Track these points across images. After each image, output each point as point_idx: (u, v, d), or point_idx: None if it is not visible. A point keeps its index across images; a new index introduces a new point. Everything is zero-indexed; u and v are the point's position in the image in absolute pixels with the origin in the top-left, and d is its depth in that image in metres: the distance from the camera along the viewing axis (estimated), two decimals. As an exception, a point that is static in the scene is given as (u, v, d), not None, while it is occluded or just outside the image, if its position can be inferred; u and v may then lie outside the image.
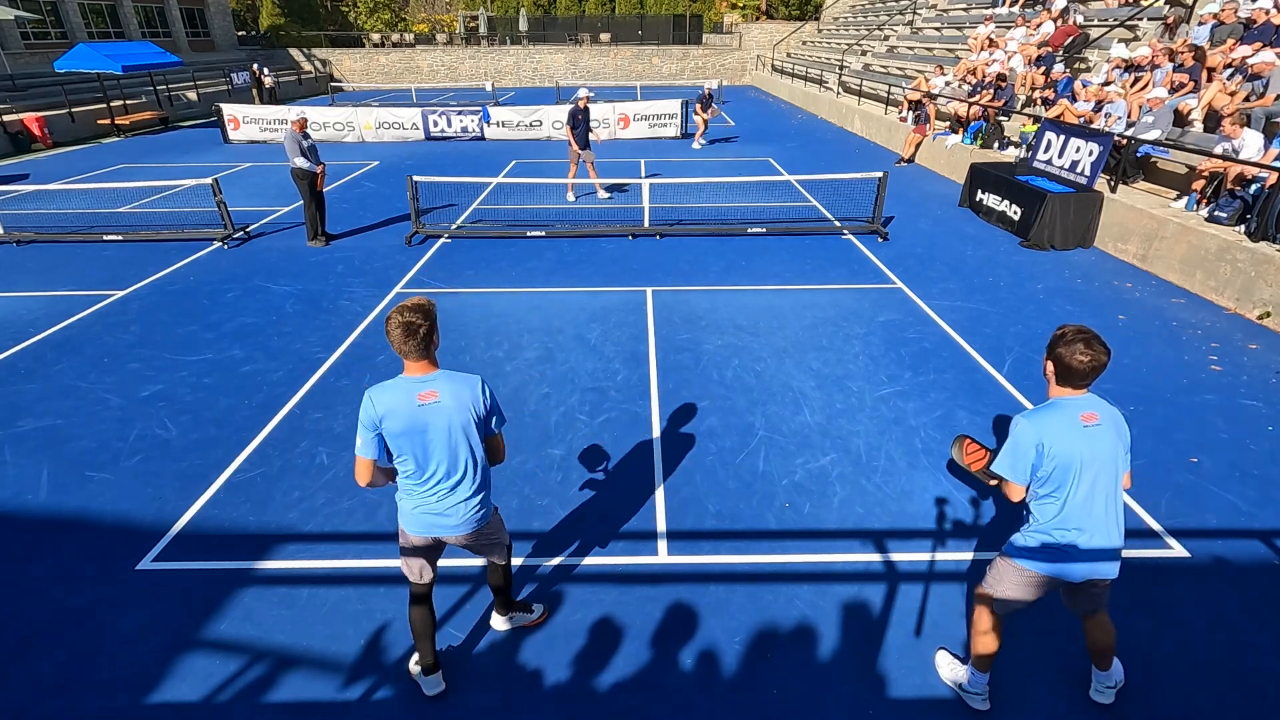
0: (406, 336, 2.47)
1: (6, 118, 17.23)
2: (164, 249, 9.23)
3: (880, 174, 9.26)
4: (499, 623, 3.33)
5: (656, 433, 4.96)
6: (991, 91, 13.15)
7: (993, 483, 2.78)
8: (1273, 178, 6.98)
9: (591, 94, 11.29)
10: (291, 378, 5.79)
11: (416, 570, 2.88)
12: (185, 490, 4.39)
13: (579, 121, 10.79)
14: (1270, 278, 6.59)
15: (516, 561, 3.79)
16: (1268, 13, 9.44)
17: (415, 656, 3.08)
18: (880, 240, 9.34)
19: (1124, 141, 9.04)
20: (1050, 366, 2.54)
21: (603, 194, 11.71)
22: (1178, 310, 6.99)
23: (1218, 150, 7.74)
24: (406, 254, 9.00)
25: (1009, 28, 15.46)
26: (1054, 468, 2.46)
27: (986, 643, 2.80)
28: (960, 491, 4.29)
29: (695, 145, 16.67)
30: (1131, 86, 10.41)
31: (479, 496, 2.77)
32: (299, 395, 5.51)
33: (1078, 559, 2.56)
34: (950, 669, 3.07)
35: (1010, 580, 2.70)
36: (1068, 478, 2.47)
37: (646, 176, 12.78)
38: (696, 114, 16.91)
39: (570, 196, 11.59)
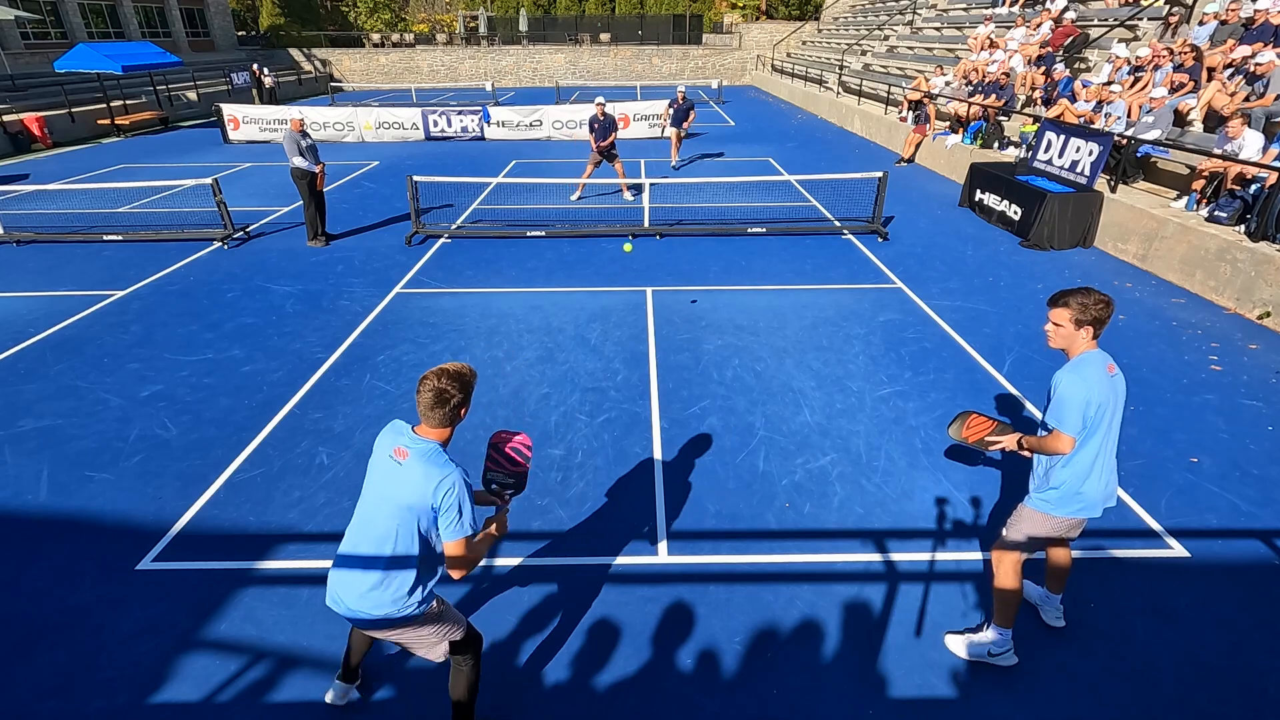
0: (435, 404, 2.32)
1: (6, 118, 17.23)
2: (164, 249, 9.23)
3: (880, 174, 9.26)
4: (331, 695, 2.94)
5: (656, 433, 4.96)
6: (993, 94, 13.15)
7: (988, 448, 3.03)
8: (1273, 178, 6.98)
9: (603, 100, 11.34)
10: (291, 378, 5.79)
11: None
12: (185, 490, 4.39)
13: (595, 128, 10.90)
14: (1270, 278, 6.59)
15: (516, 561, 3.79)
16: (1266, 13, 9.44)
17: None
18: (880, 240, 9.34)
19: (1124, 141, 9.04)
20: (1074, 323, 2.68)
21: (628, 195, 11.65)
22: (1178, 310, 6.99)
23: (1218, 150, 7.74)
24: (406, 254, 9.00)
25: (1009, 28, 15.46)
26: (1095, 417, 2.67)
27: (1015, 597, 2.98)
28: (960, 491, 4.29)
29: (673, 164, 14.40)
30: (1131, 86, 10.41)
31: (383, 588, 2.36)
32: (299, 395, 5.51)
33: (1100, 499, 2.83)
34: (969, 643, 3.14)
35: (1042, 529, 2.87)
36: (1100, 424, 2.70)
37: (646, 177, 12.78)
38: (665, 126, 14.29)
39: (574, 196, 11.63)
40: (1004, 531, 3.02)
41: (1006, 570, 2.98)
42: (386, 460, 2.38)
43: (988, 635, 3.09)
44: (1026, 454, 2.96)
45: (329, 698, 2.96)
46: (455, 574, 2.46)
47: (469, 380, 2.39)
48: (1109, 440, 2.77)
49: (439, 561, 2.48)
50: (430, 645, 2.60)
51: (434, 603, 2.55)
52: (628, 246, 8.22)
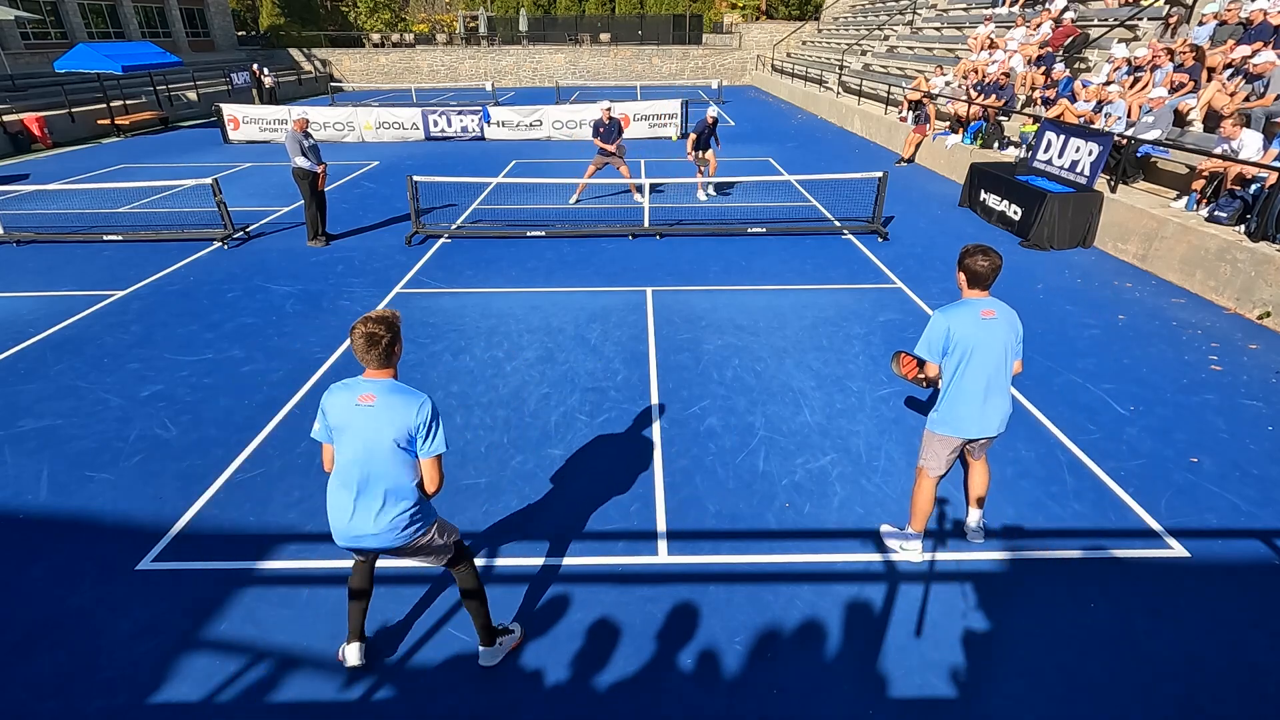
0: (369, 346, 2.59)
1: (6, 118, 17.23)
2: (164, 249, 9.23)
3: (880, 174, 9.26)
4: (485, 657, 3.13)
5: (656, 433, 4.96)
6: (993, 94, 13.15)
7: (924, 384, 3.52)
8: (1273, 178, 6.98)
9: (609, 104, 11.16)
10: (291, 378, 5.79)
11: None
12: (185, 490, 4.39)
13: (600, 131, 10.80)
14: (1270, 278, 6.59)
15: (516, 561, 3.79)
16: (1265, 13, 9.44)
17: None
18: (880, 240, 9.34)
19: (1124, 141, 9.04)
20: (962, 276, 3.32)
21: (637, 196, 11.30)
22: (1178, 310, 6.99)
23: (1217, 150, 7.74)
24: (406, 254, 9.00)
25: (1009, 28, 15.46)
26: (957, 350, 3.24)
27: (927, 508, 3.62)
28: (960, 491, 4.29)
29: (701, 195, 11.76)
30: (1131, 86, 10.41)
31: (397, 511, 2.67)
32: (299, 395, 5.51)
33: (976, 421, 3.35)
34: (890, 533, 3.83)
35: (936, 448, 3.49)
36: (966, 357, 3.24)
37: (647, 177, 12.78)
38: (691, 153, 11.31)
39: (572, 200, 11.59)
40: (920, 455, 3.62)
41: (920, 486, 3.61)
42: (354, 411, 2.62)
43: (905, 531, 3.75)
44: (927, 381, 3.52)
45: (352, 659, 3.10)
46: (430, 489, 2.75)
47: (394, 322, 2.66)
48: (981, 373, 3.26)
49: None
50: (439, 553, 2.93)
51: (435, 517, 2.90)
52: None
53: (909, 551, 3.72)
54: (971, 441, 3.49)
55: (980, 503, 3.79)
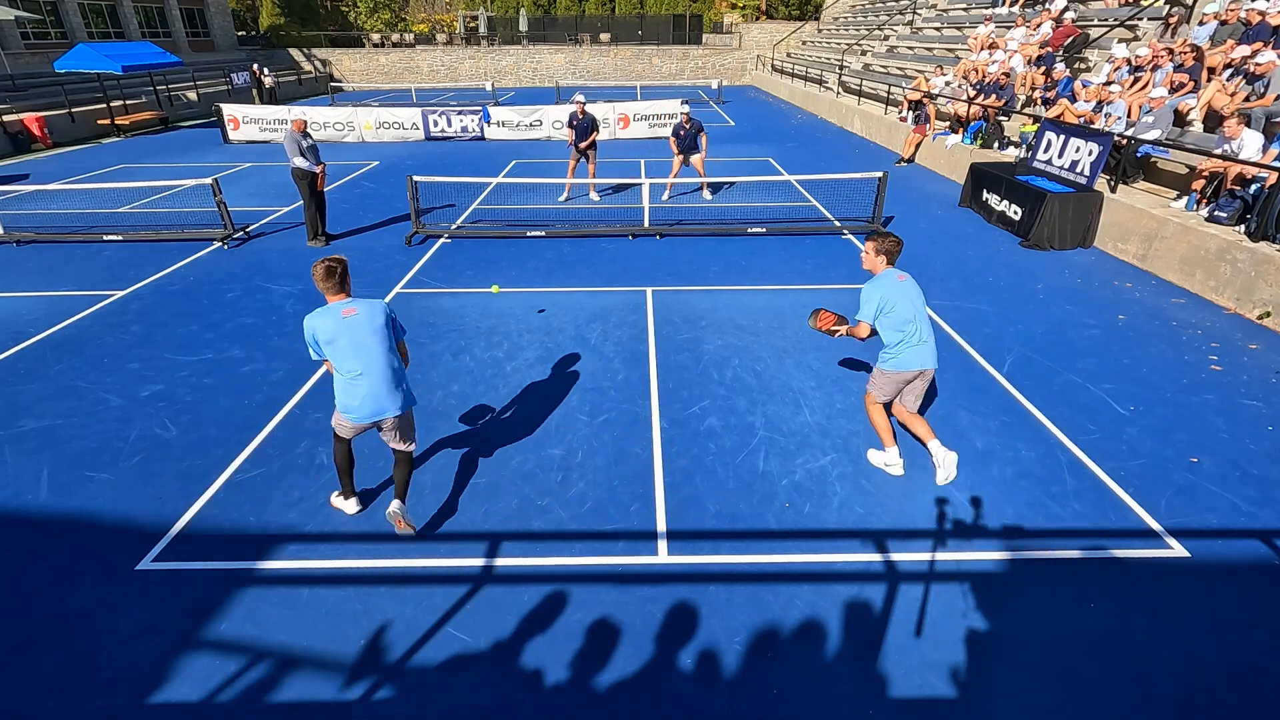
0: (328, 275, 3.53)
1: (6, 118, 17.23)
2: (164, 249, 9.23)
3: (880, 174, 9.26)
4: (393, 508, 3.84)
5: (656, 433, 4.96)
6: (993, 94, 13.15)
7: (837, 335, 4.48)
8: (1273, 178, 6.98)
9: (583, 98, 11.04)
10: (291, 378, 5.79)
11: (346, 432, 3.81)
12: (185, 490, 4.39)
13: (574, 125, 10.79)
14: (1270, 278, 6.59)
15: (516, 561, 3.80)
16: (1263, 14, 9.43)
17: (337, 491, 4.15)
18: (880, 240, 9.32)
19: (1124, 141, 9.03)
20: (881, 258, 4.26)
21: (594, 195, 11.66)
22: (1178, 310, 6.99)
23: (1217, 150, 7.74)
24: (406, 254, 9.00)
25: (1009, 28, 15.46)
26: (891, 309, 4.10)
27: (886, 423, 4.45)
28: (960, 491, 4.29)
29: (706, 195, 11.64)
30: (1131, 86, 10.41)
31: (395, 386, 3.63)
32: (299, 395, 5.51)
33: (918, 358, 4.18)
34: (874, 455, 4.58)
35: (883, 383, 4.34)
36: (898, 314, 4.10)
37: (647, 177, 12.78)
38: (678, 155, 10.94)
39: (562, 198, 11.63)
40: (867, 387, 4.46)
41: (871, 410, 4.47)
42: (342, 322, 3.50)
43: (884, 451, 4.48)
44: (842, 334, 4.44)
45: (353, 510, 4.10)
46: (406, 363, 3.87)
47: (343, 259, 3.66)
48: (912, 322, 4.11)
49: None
50: (410, 430, 3.91)
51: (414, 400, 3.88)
52: (495, 288, 7.44)
53: (893, 466, 4.45)
54: (916, 375, 4.26)
55: (933, 433, 4.46)
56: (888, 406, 4.49)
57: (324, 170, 9.05)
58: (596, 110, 17.89)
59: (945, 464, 4.31)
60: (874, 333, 4.24)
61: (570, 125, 10.83)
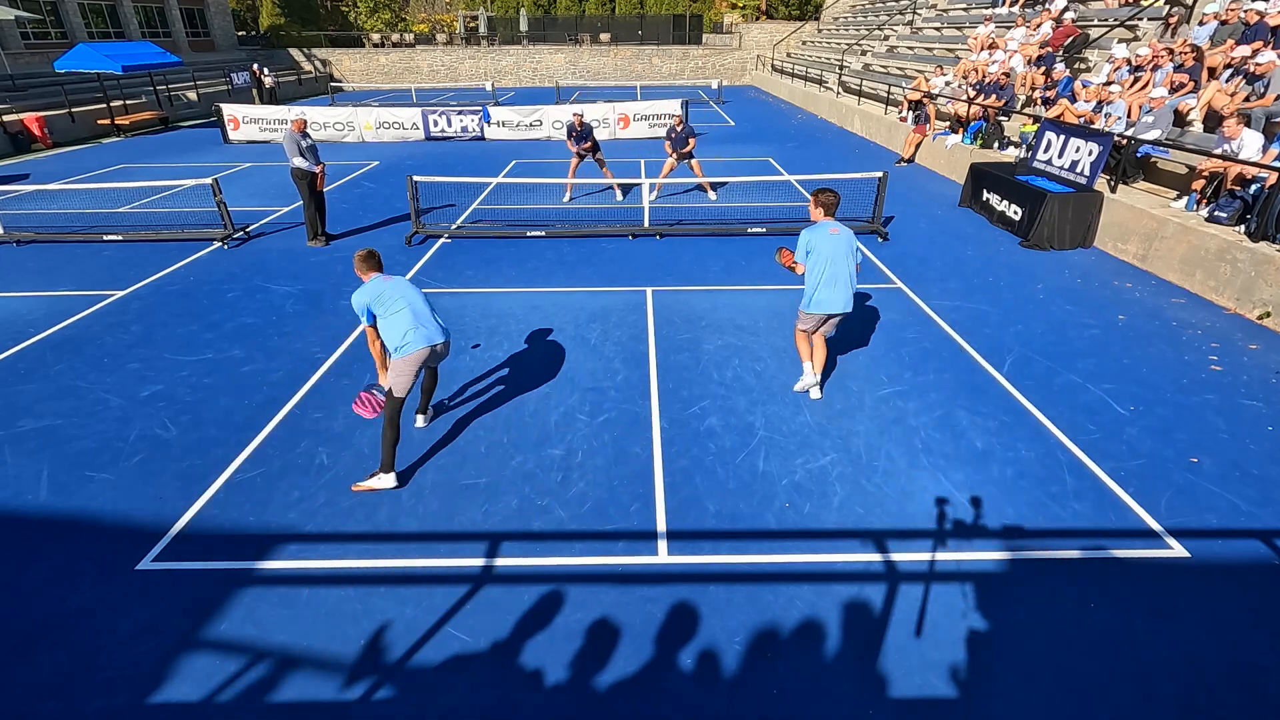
0: (368, 257, 4.46)
1: (6, 118, 17.22)
2: (164, 249, 9.23)
3: (880, 174, 9.25)
4: (421, 421, 4.99)
5: (656, 433, 4.96)
6: (993, 94, 13.15)
7: (798, 271, 5.10)
8: (1273, 178, 6.98)
9: (580, 111, 11.26)
10: (291, 378, 5.79)
11: (407, 386, 4.26)
12: (185, 490, 4.39)
13: (572, 135, 10.92)
14: (1270, 278, 6.59)
15: (516, 561, 3.80)
16: (1263, 14, 9.43)
17: (372, 474, 4.39)
18: (880, 240, 9.34)
19: (1124, 141, 9.03)
20: (819, 210, 5.02)
21: (619, 195, 11.79)
22: (1178, 310, 6.99)
23: (1217, 150, 7.74)
24: (406, 254, 9.00)
25: (1009, 28, 15.46)
26: (816, 254, 4.89)
27: (806, 348, 5.26)
28: (960, 491, 4.29)
29: (711, 195, 11.73)
30: (1131, 86, 10.41)
31: (436, 319, 4.41)
32: (299, 395, 5.51)
33: (829, 302, 4.92)
34: (802, 381, 5.37)
35: (806, 320, 5.09)
36: (821, 259, 4.88)
37: (647, 177, 12.78)
38: (672, 154, 11.01)
39: (565, 198, 11.69)
40: (795, 323, 5.23)
41: (796, 337, 5.27)
42: (391, 285, 4.34)
43: (808, 378, 5.29)
44: (799, 271, 5.09)
45: (393, 485, 4.38)
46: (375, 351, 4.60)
47: (375, 251, 4.55)
48: (833, 268, 4.86)
49: None
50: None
51: None
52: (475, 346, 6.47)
53: (805, 378, 5.29)
54: (831, 316, 5.02)
55: (820, 367, 5.26)
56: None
57: (323, 170, 9.05)
58: (597, 110, 17.97)
59: (806, 384, 5.31)
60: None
61: (569, 136, 10.98)
